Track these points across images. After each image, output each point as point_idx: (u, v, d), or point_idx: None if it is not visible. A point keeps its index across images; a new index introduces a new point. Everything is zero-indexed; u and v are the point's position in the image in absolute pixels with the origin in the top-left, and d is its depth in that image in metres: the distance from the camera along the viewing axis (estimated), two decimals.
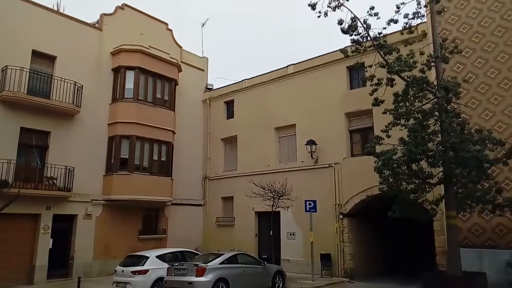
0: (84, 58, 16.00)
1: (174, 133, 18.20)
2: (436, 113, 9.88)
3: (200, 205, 19.83)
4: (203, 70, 21.50)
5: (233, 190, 18.58)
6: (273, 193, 14.87)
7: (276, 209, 15.12)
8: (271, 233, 15.44)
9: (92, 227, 15.39)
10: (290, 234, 16.36)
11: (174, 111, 18.32)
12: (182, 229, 18.26)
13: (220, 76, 49.38)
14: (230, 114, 20.17)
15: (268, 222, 15.75)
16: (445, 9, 11.76)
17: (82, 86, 15.36)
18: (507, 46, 11.61)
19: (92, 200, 15.46)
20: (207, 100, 20.89)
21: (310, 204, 14.00)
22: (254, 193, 15.33)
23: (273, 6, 48.83)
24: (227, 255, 11.59)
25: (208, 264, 10.67)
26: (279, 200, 14.83)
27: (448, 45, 10.69)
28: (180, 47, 20.12)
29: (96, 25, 17.03)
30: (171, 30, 19.73)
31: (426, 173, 10.05)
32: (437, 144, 9.79)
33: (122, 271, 11.31)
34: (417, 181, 10.08)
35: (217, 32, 41.48)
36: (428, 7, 10.52)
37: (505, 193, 10.23)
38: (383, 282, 13.87)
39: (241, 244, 16.65)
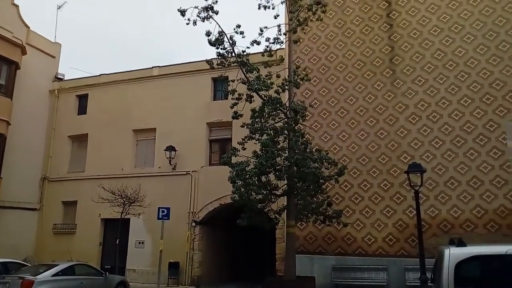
0: None
1: (8, 123, 15.58)
2: (286, 132, 10.89)
3: (34, 209, 17.31)
4: (54, 57, 19.11)
5: (78, 194, 16.84)
6: (124, 199, 14.01)
7: (126, 216, 14.29)
8: (117, 242, 14.46)
9: None
10: (139, 243, 15.64)
11: (11, 99, 15.72)
12: (9, 237, 15.63)
13: (75, 67, 44.65)
14: (82, 110, 18.34)
15: (116, 229, 14.73)
16: (301, 40, 13.19)
17: None
18: (345, 80, 13.63)
19: None
20: (56, 91, 18.60)
21: (163, 212, 13.62)
22: (103, 198, 14.18)
23: (154, 3, 46.88)
24: (62, 266, 10.38)
25: (37, 277, 9.35)
26: (130, 207, 14.06)
27: (300, 72, 11.98)
28: (28, 27, 17.53)
29: None
30: (17, 6, 17.07)
31: (273, 185, 10.95)
32: (284, 159, 10.77)
33: None
34: (265, 192, 10.87)
35: (79, 20, 37.63)
36: (287, 35, 11.60)
37: (334, 206, 11.87)
38: None
39: (83, 254, 15.13)
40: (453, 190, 11.82)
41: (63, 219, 17.25)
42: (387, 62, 13.27)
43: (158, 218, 13.50)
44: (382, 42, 13.46)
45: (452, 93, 12.37)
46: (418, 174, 9.50)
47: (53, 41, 19.25)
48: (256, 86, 10.54)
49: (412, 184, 9.58)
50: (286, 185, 10.94)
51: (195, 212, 15.07)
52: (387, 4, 13.67)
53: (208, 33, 10.55)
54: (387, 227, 12.24)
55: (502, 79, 11.93)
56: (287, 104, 11.09)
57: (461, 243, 6.32)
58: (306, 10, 11.40)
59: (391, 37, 13.38)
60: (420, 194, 10.24)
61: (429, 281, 7.80)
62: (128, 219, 15.01)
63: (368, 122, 13.10)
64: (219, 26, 10.71)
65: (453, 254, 6.15)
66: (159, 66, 17.22)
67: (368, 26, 13.75)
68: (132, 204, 14.07)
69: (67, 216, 17.24)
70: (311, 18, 11.46)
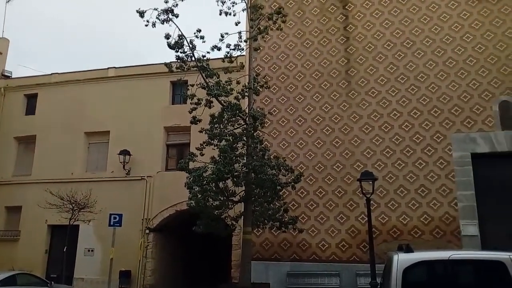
0: None
1: None
2: (244, 138, 10.91)
3: None
4: (0, 53, 17.97)
5: (23, 199, 15.83)
6: (73, 205, 13.36)
7: (75, 223, 13.62)
8: (64, 249, 13.72)
9: None
10: (88, 251, 14.94)
11: None
12: None
13: (24, 65, 42.29)
14: (30, 110, 17.36)
15: (64, 237, 13.98)
16: (261, 48, 13.33)
17: None
18: (303, 89, 13.92)
19: None
20: (2, 89, 17.47)
21: (115, 218, 13.14)
22: (50, 203, 13.43)
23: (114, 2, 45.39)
24: (2, 275, 9.73)
25: None
26: (80, 213, 13.43)
27: (260, 79, 12.09)
28: None
29: None
30: None
31: (231, 191, 10.91)
32: (242, 165, 10.77)
33: None
34: (222, 198, 10.80)
35: (32, 15, 35.66)
36: (248, 43, 11.67)
37: (290, 212, 12.00)
38: None
39: (27, 262, 14.26)
40: (402, 198, 12.36)
41: (5, 225, 16.13)
42: (343, 74, 13.72)
43: (110, 225, 12.99)
44: (339, 54, 13.91)
45: (403, 105, 12.99)
46: (370, 182, 9.88)
47: (0, 36, 18.12)
48: (215, 91, 10.49)
49: (364, 192, 9.93)
50: (243, 192, 10.93)
51: (150, 218, 14.66)
52: (344, 18, 14.17)
53: (167, 36, 10.38)
54: (340, 233, 12.56)
55: (448, 93, 12.71)
56: (247, 111, 11.13)
57: (408, 249, 6.61)
58: (267, 19, 11.55)
59: (347, 50, 13.87)
60: (371, 201, 10.65)
61: (379, 286, 8.07)
62: (77, 226, 14.34)
63: (324, 131, 13.44)
64: (179, 29, 10.61)
65: (401, 260, 6.42)
66: (115, 67, 16.69)
67: (326, 38, 14.17)
68: (82, 210, 13.46)
69: (10, 223, 16.14)
70: (271, 27, 11.62)
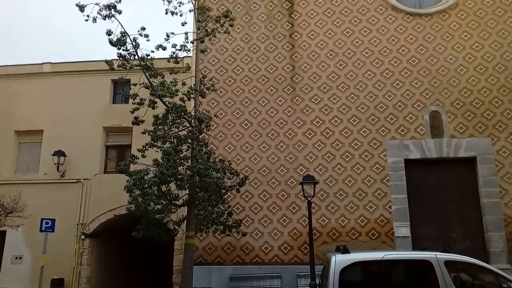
0: None
1: None
2: (189, 140, 10.74)
3: None
4: None
5: None
6: (0, 209, 12.28)
7: (1, 228, 12.53)
8: None
9: None
10: (16, 258, 13.80)
11: None
12: None
13: None
14: None
15: None
16: (208, 50, 13.25)
17: None
18: (250, 94, 14.04)
19: None
20: None
21: (47, 223, 12.27)
22: None
23: None
24: None
25: None
26: (7, 218, 12.36)
27: (207, 82, 12.00)
28: None
29: None
30: None
31: (174, 194, 10.66)
32: (186, 168, 10.59)
33: None
34: (164, 202, 10.52)
35: None
36: (194, 44, 11.53)
37: (235, 215, 12.03)
38: None
39: None
40: (341, 201, 12.88)
41: None
42: (288, 80, 14.04)
43: (41, 231, 12.12)
44: (285, 61, 14.22)
45: (343, 112, 13.58)
46: (312, 186, 10.19)
47: None
48: (160, 92, 10.23)
49: (306, 195, 10.22)
50: (187, 195, 10.75)
51: (86, 223, 13.89)
52: (290, 26, 14.53)
53: (109, 32, 9.96)
54: (283, 236, 12.79)
55: (385, 102, 13.49)
56: (192, 113, 10.98)
57: (345, 251, 6.91)
58: (214, 22, 11.50)
59: (293, 57, 14.23)
60: (312, 204, 10.99)
61: (318, 286, 8.33)
62: (4, 232, 13.22)
63: (269, 135, 13.64)
64: (122, 26, 10.22)
65: (338, 260, 6.70)
66: (51, 63, 15.66)
67: (273, 44, 14.42)
68: (10, 215, 12.40)
69: None
70: (218, 30, 11.59)
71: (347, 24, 14.29)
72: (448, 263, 6.65)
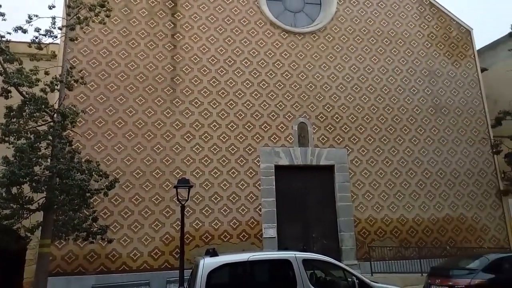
0: None
1: None
2: (50, 137, 9.60)
3: None
4: None
5: None
6: None
7: None
8: None
9: None
10: None
11: None
12: None
13: None
14: None
15: None
16: (79, 39, 12.11)
17: None
18: (126, 91, 13.29)
19: None
20: None
21: None
22: None
23: None
24: None
25: None
26: None
27: (76, 73, 10.91)
28: None
29: None
30: None
31: (27, 197, 9.36)
32: (44, 168, 9.41)
33: None
34: (15, 206, 9.16)
35: None
36: (63, 30, 10.41)
37: (101, 221, 11.11)
38: None
39: None
40: (216, 204, 13.10)
41: None
42: (168, 80, 13.74)
43: None
44: (165, 61, 13.89)
45: (222, 117, 13.87)
46: (186, 189, 10.11)
47: None
48: (16, 80, 8.90)
49: (180, 198, 10.09)
50: (44, 199, 9.54)
51: None
52: (173, 26, 14.28)
53: None
54: (154, 241, 12.37)
55: (260, 111, 14.24)
56: (56, 106, 9.84)
57: (214, 253, 7.01)
58: (88, 10, 10.57)
59: (174, 57, 13.99)
60: (187, 208, 10.92)
61: None
62: None
63: (145, 136, 13.11)
64: None
65: (206, 264, 6.76)
66: None
67: (153, 42, 13.96)
68: None
69: None
70: (93, 19, 10.68)
71: (228, 33, 14.69)
72: (305, 262, 7.30)
